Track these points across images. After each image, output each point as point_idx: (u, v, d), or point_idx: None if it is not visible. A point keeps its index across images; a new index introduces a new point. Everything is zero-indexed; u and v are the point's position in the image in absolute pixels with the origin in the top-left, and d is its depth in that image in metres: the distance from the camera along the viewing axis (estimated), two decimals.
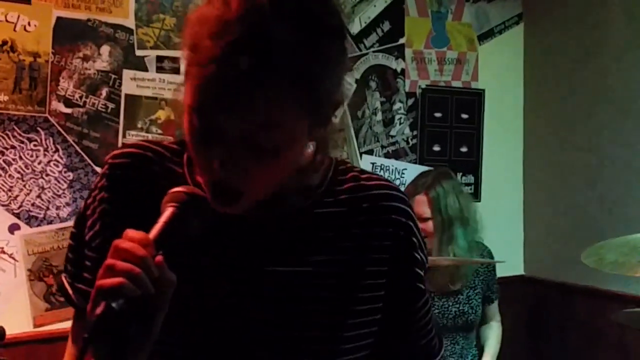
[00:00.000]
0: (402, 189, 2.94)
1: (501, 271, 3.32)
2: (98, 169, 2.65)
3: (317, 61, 0.91)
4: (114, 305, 0.81)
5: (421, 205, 2.81)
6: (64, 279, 1.12)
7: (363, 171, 1.15)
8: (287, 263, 1.04)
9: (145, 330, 0.89)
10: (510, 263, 3.62)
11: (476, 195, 3.66)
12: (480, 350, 2.98)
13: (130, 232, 0.88)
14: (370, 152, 3.41)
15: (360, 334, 1.08)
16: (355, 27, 3.35)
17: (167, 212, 0.91)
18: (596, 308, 3.24)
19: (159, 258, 0.88)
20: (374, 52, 3.41)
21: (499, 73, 3.75)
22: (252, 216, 1.03)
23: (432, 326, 1.18)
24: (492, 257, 3.04)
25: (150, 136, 2.82)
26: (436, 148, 3.57)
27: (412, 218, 1.12)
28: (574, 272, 3.34)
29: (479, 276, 2.98)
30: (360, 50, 3.37)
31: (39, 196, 2.62)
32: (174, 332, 0.99)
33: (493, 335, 3.02)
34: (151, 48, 2.83)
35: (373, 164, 3.41)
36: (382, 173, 3.38)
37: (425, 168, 3.28)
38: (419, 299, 1.16)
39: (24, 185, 2.60)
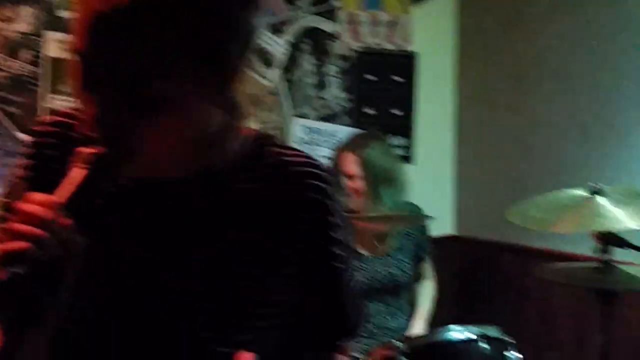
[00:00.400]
0: (334, 152, 3.00)
1: (433, 231, 3.34)
2: (22, 136, 2.58)
3: (215, 19, 0.90)
4: (17, 270, 0.79)
5: (352, 165, 2.83)
6: None
7: (286, 146, 1.14)
8: (199, 233, 1.03)
9: (53, 294, 0.87)
10: (441, 223, 3.69)
11: (409, 157, 3.67)
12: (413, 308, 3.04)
13: (35, 195, 0.85)
14: (303, 116, 3.39)
15: (273, 311, 1.08)
16: None
17: (74, 173, 0.89)
18: (523, 265, 3.32)
19: (66, 220, 0.85)
20: (307, 14, 3.36)
21: (432, 36, 3.75)
22: (163, 180, 1.01)
23: (351, 300, 1.19)
24: (424, 218, 3.06)
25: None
26: (369, 111, 3.57)
27: (330, 197, 1.11)
28: (503, 230, 3.40)
29: (409, 237, 3.00)
30: (293, 11, 3.33)
31: None
32: (85, 296, 0.98)
33: (424, 294, 3.07)
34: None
35: (305, 127, 3.40)
36: (315, 136, 3.41)
37: (358, 131, 3.28)
38: (336, 276, 1.15)
39: None
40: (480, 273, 3.78)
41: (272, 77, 3.30)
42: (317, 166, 1.12)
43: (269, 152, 1.09)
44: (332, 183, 1.14)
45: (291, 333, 1.13)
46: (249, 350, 1.03)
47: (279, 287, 1.08)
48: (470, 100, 3.83)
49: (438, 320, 2.99)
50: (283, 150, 1.10)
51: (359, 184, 2.84)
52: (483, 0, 3.72)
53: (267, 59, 3.27)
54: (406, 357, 2.19)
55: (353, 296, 1.20)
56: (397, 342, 2.23)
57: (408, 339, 2.30)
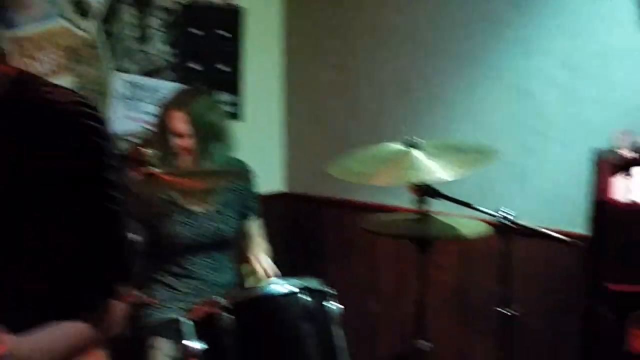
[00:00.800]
0: (158, 108, 2.91)
1: (262, 188, 3.34)
2: None
3: None
4: None
5: (179, 122, 2.76)
6: None
7: (54, 85, 1.10)
8: None
9: None
10: (271, 180, 3.74)
11: (237, 114, 3.63)
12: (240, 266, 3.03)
13: None
14: (124, 70, 3.26)
15: (42, 255, 1.06)
16: None
17: None
18: (349, 218, 3.41)
19: None
20: None
21: None
22: None
23: (125, 243, 1.19)
24: (252, 177, 3.05)
25: None
26: (195, 66, 3.48)
27: (103, 137, 1.09)
28: (331, 186, 3.46)
29: (236, 193, 2.98)
30: None
31: None
32: None
33: (260, 249, 3.03)
34: None
35: (127, 82, 3.28)
36: (137, 91, 3.30)
37: (183, 86, 3.20)
38: (111, 218, 1.15)
39: None
40: (309, 228, 3.83)
41: (89, 29, 3.14)
42: (89, 105, 1.09)
43: (32, 92, 1.06)
44: (104, 123, 1.11)
45: (65, 279, 1.10)
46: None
47: (50, 229, 1.05)
48: (298, 56, 3.82)
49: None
50: (49, 89, 1.07)
51: (187, 142, 2.78)
52: None
53: (83, 9, 3.11)
54: (228, 313, 2.18)
55: (127, 240, 1.20)
56: (219, 298, 2.22)
57: (230, 295, 2.27)
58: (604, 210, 2.24)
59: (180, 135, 2.76)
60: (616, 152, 2.27)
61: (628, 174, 2.23)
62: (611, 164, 2.26)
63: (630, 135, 2.27)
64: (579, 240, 2.40)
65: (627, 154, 2.24)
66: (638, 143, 2.27)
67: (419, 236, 2.52)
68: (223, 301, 2.22)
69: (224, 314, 2.18)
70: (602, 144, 2.38)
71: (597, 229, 2.29)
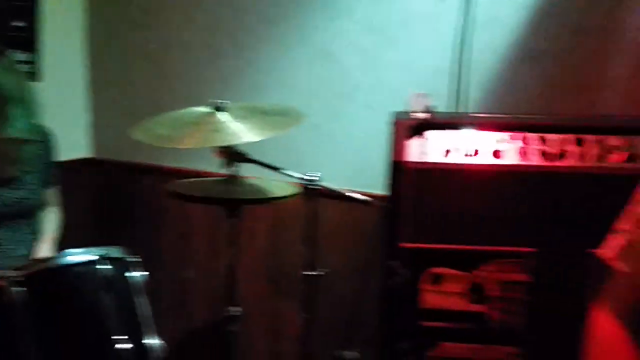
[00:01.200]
0: None
1: (68, 154, 3.22)
2: None
3: None
4: None
5: None
6: None
7: None
8: None
9: None
10: (76, 145, 3.63)
11: (36, 73, 3.44)
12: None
13: None
14: None
15: None
16: None
17: None
18: (160, 185, 3.32)
19: None
20: None
21: None
22: None
23: None
24: (51, 142, 2.93)
25: None
26: None
27: None
28: (140, 152, 3.42)
29: (38, 160, 2.86)
30: None
31: None
32: None
33: (51, 220, 2.96)
34: None
35: None
36: None
37: None
38: None
39: None
40: (118, 195, 3.76)
41: None
42: None
43: None
44: None
45: None
46: None
47: None
48: (103, 16, 3.68)
49: (71, 246, 2.92)
50: None
51: None
52: None
53: None
54: (19, 286, 2.06)
55: None
56: (9, 272, 2.09)
57: (22, 267, 2.15)
58: (399, 171, 2.30)
59: None
60: (411, 115, 2.33)
61: (420, 135, 2.30)
62: (407, 127, 2.32)
63: (424, 98, 2.35)
64: (379, 201, 2.49)
65: (421, 116, 2.31)
66: (431, 106, 2.35)
67: (227, 199, 2.52)
68: (12, 274, 2.09)
69: (14, 287, 2.06)
70: (402, 107, 2.44)
71: (394, 190, 2.34)
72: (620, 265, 1.37)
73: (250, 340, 3.05)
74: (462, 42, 2.71)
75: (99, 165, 3.77)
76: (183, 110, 2.55)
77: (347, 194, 2.62)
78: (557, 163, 2.27)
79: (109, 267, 2.24)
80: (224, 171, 2.54)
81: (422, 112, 2.36)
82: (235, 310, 2.58)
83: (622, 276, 1.37)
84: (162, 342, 2.26)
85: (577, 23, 2.54)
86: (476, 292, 2.29)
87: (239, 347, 2.58)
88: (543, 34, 2.61)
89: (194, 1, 3.38)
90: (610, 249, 1.40)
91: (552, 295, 2.26)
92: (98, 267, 2.21)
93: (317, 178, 2.52)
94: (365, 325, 2.65)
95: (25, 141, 2.78)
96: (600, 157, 2.25)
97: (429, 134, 2.34)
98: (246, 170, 2.55)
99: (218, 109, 2.44)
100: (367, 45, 2.92)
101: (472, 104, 2.72)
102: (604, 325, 1.38)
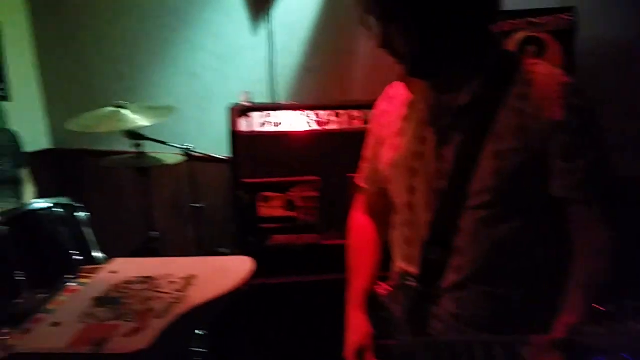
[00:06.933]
0: None
1: (34, 147, 3.15)
2: None
3: None
4: None
5: None
6: None
7: None
8: None
9: None
10: (40, 141, 3.48)
11: (6, 96, 3.25)
12: None
13: None
14: None
15: None
16: None
17: None
18: (96, 161, 3.07)
19: None
20: None
21: (10, 8, 3.30)
22: None
23: None
24: (17, 137, 2.83)
25: None
26: None
27: None
28: (82, 141, 3.32)
29: (7, 147, 2.79)
30: None
31: None
32: None
33: (25, 188, 2.86)
34: None
35: None
36: None
37: None
38: None
39: None
40: (71, 170, 3.61)
41: None
42: None
43: None
44: None
45: None
46: None
47: None
48: (47, 55, 3.49)
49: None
50: None
51: None
52: None
53: None
54: (4, 225, 2.03)
55: None
56: None
57: (5, 212, 2.10)
58: (236, 137, 2.35)
59: None
60: (241, 104, 2.41)
61: (247, 116, 2.38)
62: (238, 111, 2.38)
63: (248, 94, 2.44)
64: (227, 158, 2.50)
65: (246, 104, 2.41)
66: (251, 99, 2.45)
67: (138, 168, 2.55)
68: None
69: (0, 226, 2.03)
70: (236, 100, 2.46)
71: (234, 149, 2.37)
72: (363, 184, 1.32)
73: (165, 251, 2.91)
74: (270, 61, 2.75)
75: (57, 153, 3.61)
76: (100, 109, 2.46)
77: (211, 155, 2.67)
78: (326, 127, 2.35)
79: (62, 210, 2.22)
80: (134, 149, 2.51)
81: (247, 102, 2.42)
82: (154, 233, 2.62)
83: (364, 190, 1.32)
84: (105, 255, 2.25)
85: (332, 46, 2.61)
86: (289, 205, 2.33)
87: (159, 255, 2.56)
88: (315, 55, 2.67)
89: (120, 31, 3.15)
90: (359, 174, 1.34)
91: (331, 203, 2.31)
92: (54, 209, 2.20)
93: (192, 147, 2.59)
94: (230, 231, 2.58)
95: None
96: (349, 123, 2.34)
97: (252, 114, 2.38)
98: (150, 148, 2.54)
99: (121, 107, 2.44)
100: (215, 66, 2.95)
101: (277, 97, 2.74)
102: (357, 220, 1.32)
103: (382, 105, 1.23)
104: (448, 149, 1.01)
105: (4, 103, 3.03)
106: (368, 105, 2.31)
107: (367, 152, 1.28)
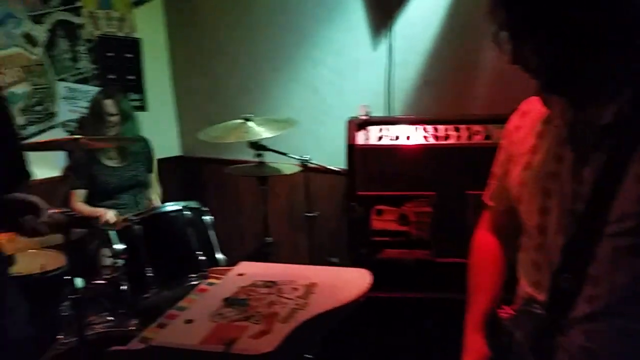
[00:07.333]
0: (96, 97, 2.85)
1: (165, 153, 3.38)
2: None
3: None
4: None
5: (112, 107, 2.80)
6: None
7: None
8: None
9: None
10: (172, 148, 3.74)
11: (144, 106, 3.56)
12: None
13: None
14: (64, 80, 3.19)
15: None
16: None
17: None
18: (220, 169, 3.25)
19: None
20: (59, 10, 3.13)
21: (150, 27, 3.63)
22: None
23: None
24: (150, 145, 3.04)
25: None
26: (112, 76, 3.41)
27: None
28: (208, 149, 3.49)
29: (141, 154, 3.00)
30: (45, 9, 3.07)
31: None
32: None
33: (155, 192, 3.07)
34: None
35: (67, 87, 3.19)
36: (74, 94, 3.20)
37: (103, 88, 3.13)
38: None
39: None
40: (197, 176, 3.78)
41: (38, 53, 3.06)
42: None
43: None
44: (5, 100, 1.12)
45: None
46: None
47: None
48: (181, 69, 3.74)
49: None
50: None
51: (116, 118, 2.80)
52: (180, 3, 3.63)
53: (32, 40, 3.02)
54: (138, 225, 2.21)
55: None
56: (132, 216, 2.25)
57: (139, 213, 2.28)
58: (352, 150, 2.32)
59: (111, 115, 2.79)
60: (358, 117, 2.39)
61: (365, 129, 2.36)
62: (356, 124, 2.36)
63: (366, 107, 2.40)
64: (344, 170, 2.47)
65: (364, 117, 2.38)
66: (369, 112, 2.40)
67: (259, 176, 2.58)
68: (134, 217, 2.24)
69: (135, 225, 2.22)
70: (354, 114, 2.45)
71: (350, 162, 2.33)
72: (490, 201, 1.25)
73: (278, 257, 2.91)
74: (389, 74, 2.71)
75: (185, 159, 3.80)
76: (227, 121, 2.56)
77: (327, 167, 2.66)
78: (444, 142, 2.27)
79: (190, 213, 2.31)
80: (255, 158, 2.59)
81: (365, 115, 2.39)
82: (268, 239, 2.62)
83: (491, 207, 1.25)
84: (225, 257, 2.34)
85: (454, 60, 2.51)
86: (403, 219, 2.27)
87: (271, 262, 2.52)
88: (433, 69, 2.58)
89: (234, 61, 3.32)
90: (486, 191, 1.26)
91: (446, 219, 2.22)
92: (183, 212, 2.31)
93: (309, 159, 2.62)
94: (342, 242, 2.54)
95: (134, 140, 2.92)
96: (469, 138, 2.25)
97: (369, 128, 2.36)
98: (269, 158, 2.59)
99: (247, 119, 2.51)
100: (334, 80, 2.96)
101: (395, 110, 2.71)
102: (482, 238, 1.26)
103: (515, 120, 1.16)
104: (587, 170, 0.94)
105: (141, 113, 3.33)
106: (490, 120, 2.30)
107: (497, 168, 1.21)
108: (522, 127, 1.12)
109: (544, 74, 0.92)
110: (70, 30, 3.19)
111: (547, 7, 0.86)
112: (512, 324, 1.07)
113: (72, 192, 2.75)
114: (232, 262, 2.20)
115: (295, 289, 1.15)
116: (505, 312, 1.12)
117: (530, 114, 1.12)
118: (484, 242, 1.25)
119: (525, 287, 1.08)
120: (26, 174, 1.28)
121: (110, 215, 2.61)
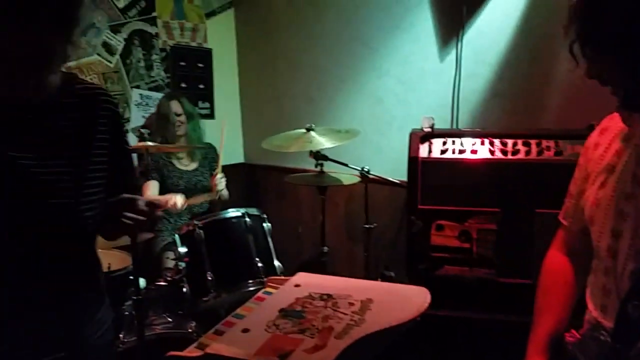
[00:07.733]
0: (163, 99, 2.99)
1: (229, 159, 3.44)
2: None
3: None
4: None
5: (178, 107, 2.93)
6: None
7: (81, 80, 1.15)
8: None
9: None
10: (235, 155, 3.82)
11: (212, 114, 3.67)
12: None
13: None
14: (138, 87, 3.31)
15: (101, 178, 1.12)
16: (121, 4, 3.20)
17: None
18: (280, 177, 3.29)
19: None
20: (135, 20, 3.26)
21: (221, 38, 3.73)
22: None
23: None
24: (215, 150, 3.10)
25: None
26: (183, 85, 3.53)
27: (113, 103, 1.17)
28: (269, 158, 3.56)
29: (206, 159, 3.07)
30: (125, 19, 3.22)
31: None
32: None
33: (224, 187, 3.05)
34: None
35: (140, 94, 3.32)
36: (147, 100, 3.33)
37: (169, 91, 3.30)
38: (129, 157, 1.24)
39: None
40: (258, 183, 3.85)
41: (114, 61, 3.20)
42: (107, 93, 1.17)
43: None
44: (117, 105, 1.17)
45: (107, 190, 1.16)
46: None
47: (102, 164, 1.13)
48: (248, 79, 3.84)
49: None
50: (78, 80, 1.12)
51: (182, 118, 2.92)
52: (250, 15, 3.72)
53: (110, 49, 3.16)
54: (200, 229, 2.25)
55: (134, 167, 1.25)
56: (195, 221, 2.28)
57: (202, 218, 2.32)
58: (415, 163, 2.25)
59: (178, 115, 2.89)
60: (422, 130, 2.31)
61: (428, 141, 2.28)
62: (419, 137, 2.28)
63: (430, 119, 2.30)
64: (404, 182, 2.41)
65: (428, 130, 2.29)
66: (433, 124, 2.30)
67: (319, 185, 2.59)
68: (197, 222, 2.28)
69: (198, 230, 2.25)
70: (417, 125, 2.36)
71: (412, 174, 2.26)
72: (564, 220, 1.22)
73: (333, 267, 2.96)
74: (455, 86, 2.64)
75: (247, 166, 3.90)
76: (290, 130, 2.59)
77: (387, 179, 2.64)
78: (512, 157, 2.18)
79: (249, 219, 2.33)
80: (316, 168, 2.61)
81: (428, 128, 2.31)
82: (325, 248, 2.62)
83: (565, 227, 1.22)
84: (280, 264, 2.34)
85: (525, 72, 2.42)
86: (464, 235, 2.19)
87: (327, 271, 2.52)
88: (503, 80, 2.50)
89: (298, 74, 3.37)
90: (562, 210, 1.22)
91: (511, 238, 2.12)
92: (244, 219, 2.32)
93: (369, 169, 2.58)
94: (399, 255, 2.53)
95: (203, 147, 2.99)
96: (539, 153, 2.15)
97: (433, 140, 2.29)
98: (328, 167, 2.60)
99: (309, 129, 2.53)
100: (398, 91, 2.90)
101: (461, 123, 2.64)
102: (553, 258, 1.23)
103: (594, 137, 1.11)
104: None
105: (209, 120, 3.43)
106: (562, 136, 2.20)
107: (573, 186, 1.18)
108: (600, 145, 1.08)
109: (623, 90, 0.88)
110: (145, 40, 3.33)
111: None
112: (577, 349, 1.04)
113: (146, 183, 2.83)
114: (288, 269, 2.30)
115: (352, 304, 1.12)
116: (572, 335, 1.09)
117: (609, 131, 1.07)
118: (555, 262, 1.21)
119: (592, 312, 1.05)
120: (138, 188, 1.32)
121: (178, 198, 2.65)
